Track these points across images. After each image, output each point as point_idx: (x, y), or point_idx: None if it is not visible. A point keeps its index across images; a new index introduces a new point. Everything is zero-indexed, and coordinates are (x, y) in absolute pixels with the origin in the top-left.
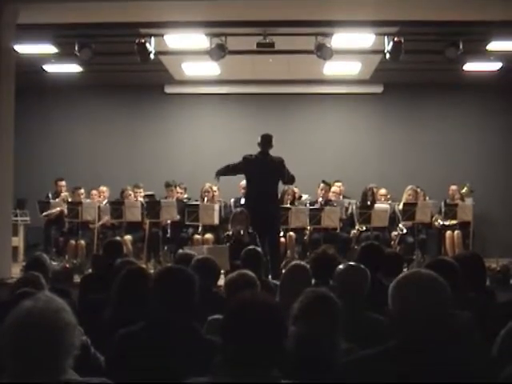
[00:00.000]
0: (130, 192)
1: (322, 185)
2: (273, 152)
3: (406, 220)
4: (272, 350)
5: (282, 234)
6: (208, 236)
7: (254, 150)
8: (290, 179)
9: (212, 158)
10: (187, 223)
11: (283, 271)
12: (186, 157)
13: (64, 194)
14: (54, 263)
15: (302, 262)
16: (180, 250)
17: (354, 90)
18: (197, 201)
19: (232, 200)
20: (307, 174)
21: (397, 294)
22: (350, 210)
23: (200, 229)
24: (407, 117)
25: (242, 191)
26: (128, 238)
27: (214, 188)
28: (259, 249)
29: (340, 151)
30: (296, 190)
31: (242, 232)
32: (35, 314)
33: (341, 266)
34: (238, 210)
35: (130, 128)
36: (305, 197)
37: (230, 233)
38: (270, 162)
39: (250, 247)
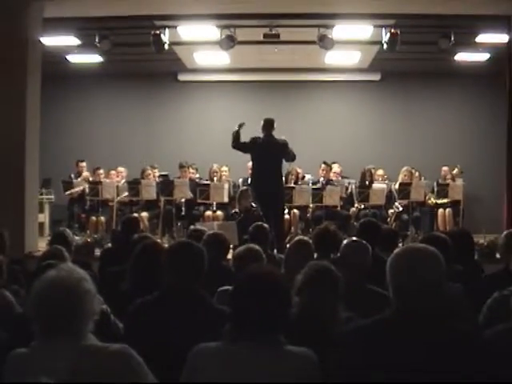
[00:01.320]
0: (150, 172)
1: (323, 165)
2: (278, 134)
3: (402, 199)
4: (278, 317)
5: (286, 211)
6: (218, 213)
7: (261, 132)
8: (292, 157)
9: (221, 140)
10: (199, 201)
11: (288, 246)
12: (197, 139)
13: (85, 173)
14: (77, 238)
15: (305, 238)
16: (192, 226)
17: (353, 78)
18: (208, 180)
19: (240, 180)
20: (310, 155)
21: (394, 267)
22: (349, 190)
23: (213, 206)
24: (403, 103)
25: (249, 172)
26: (144, 214)
27: (223, 168)
28: (266, 225)
29: (340, 134)
30: (299, 170)
31: (253, 205)
32: (58, 282)
33: (345, 241)
34: (244, 188)
35: (145, 113)
36: (307, 177)
37: (237, 210)
38: (274, 143)
39: (258, 223)
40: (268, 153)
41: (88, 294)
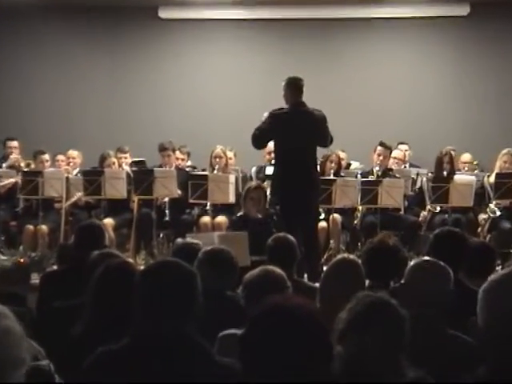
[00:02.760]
0: (114, 159)
1: (379, 148)
2: (310, 103)
3: (500, 198)
4: (310, 376)
5: (322, 216)
6: (220, 219)
7: (280, 98)
8: (330, 140)
9: (225, 110)
10: (191, 201)
11: (324, 269)
12: (188, 108)
13: (14, 156)
14: (3, 257)
15: (352, 256)
16: (180, 239)
17: (425, 13)
18: (205, 170)
19: (253, 169)
20: (358, 133)
21: (488, 303)
22: (418, 184)
23: (209, 208)
24: (503, 49)
25: (268, 157)
26: (109, 221)
27: (229, 153)
28: (291, 237)
29: (404, 100)
30: (342, 154)
31: (257, 215)
32: None
33: (412, 263)
34: (253, 184)
35: (110, 68)
36: (355, 165)
37: (242, 213)
38: (306, 117)
39: (280, 235)
40: (296, 131)
41: (7, 336)
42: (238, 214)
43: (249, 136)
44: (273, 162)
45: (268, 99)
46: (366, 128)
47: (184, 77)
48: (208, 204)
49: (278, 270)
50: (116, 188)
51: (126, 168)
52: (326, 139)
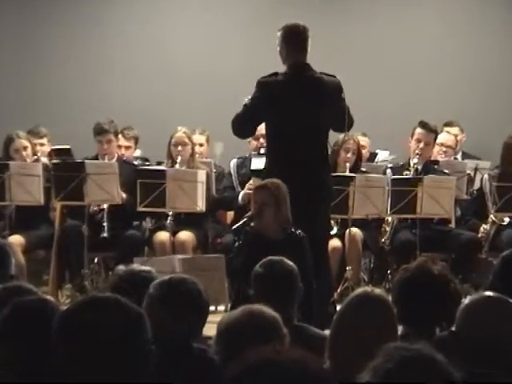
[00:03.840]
0: (25, 142)
1: (418, 131)
2: (318, 67)
3: None
4: None
5: (334, 231)
6: (184, 236)
7: (273, 64)
8: (349, 122)
9: (192, 78)
10: (141, 209)
11: (338, 308)
12: (135, 76)
13: None
14: None
15: (378, 290)
16: (121, 266)
17: None
18: (161, 164)
19: (233, 162)
20: (387, 109)
21: None
22: (477, 183)
23: (168, 220)
24: None
25: (255, 143)
26: (17, 239)
27: (198, 138)
28: (290, 262)
29: (452, 66)
30: (364, 140)
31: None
32: None
33: (467, 301)
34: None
35: (18, 20)
36: (382, 155)
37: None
38: (312, 85)
39: (273, 259)
40: (298, 107)
41: None
42: (242, 221)
43: (226, 115)
44: (263, 151)
45: (254, 65)
46: (399, 102)
47: (131, 31)
48: (168, 214)
49: (269, 312)
50: (28, 189)
51: (44, 160)
52: (342, 119)
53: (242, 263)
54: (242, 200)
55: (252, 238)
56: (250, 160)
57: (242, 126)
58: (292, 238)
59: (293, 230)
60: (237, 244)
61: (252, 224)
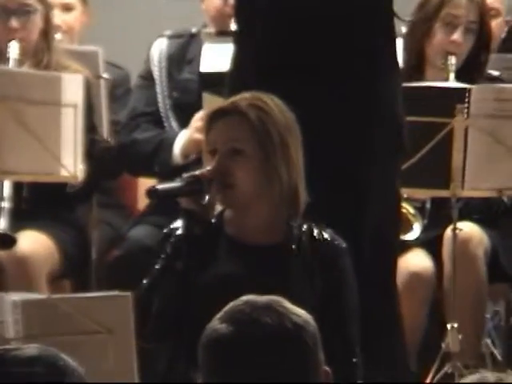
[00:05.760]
0: None
1: None
2: None
3: None
4: None
5: (416, 232)
6: (33, 243)
7: None
8: None
9: None
10: None
11: None
12: None
13: None
14: None
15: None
16: None
17: None
18: None
19: (159, 46)
20: None
21: None
22: None
23: None
24: None
25: (212, 13)
26: None
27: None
28: (299, 311)
29: None
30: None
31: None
32: None
33: None
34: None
35: None
36: None
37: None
38: None
39: (260, 301)
40: None
41: None
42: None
43: None
44: (233, 26)
45: None
46: None
47: None
48: None
49: None
50: None
51: None
52: None
53: (177, 309)
54: (183, 154)
55: (208, 240)
56: (201, 48)
57: None
58: (309, 245)
59: (310, 225)
60: (163, 256)
61: (205, 203)
